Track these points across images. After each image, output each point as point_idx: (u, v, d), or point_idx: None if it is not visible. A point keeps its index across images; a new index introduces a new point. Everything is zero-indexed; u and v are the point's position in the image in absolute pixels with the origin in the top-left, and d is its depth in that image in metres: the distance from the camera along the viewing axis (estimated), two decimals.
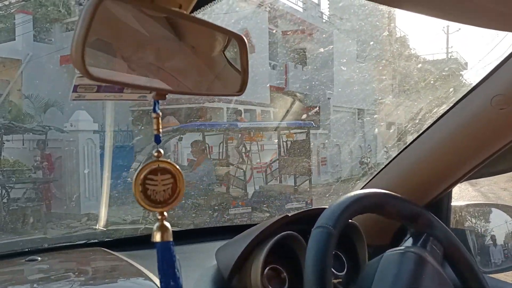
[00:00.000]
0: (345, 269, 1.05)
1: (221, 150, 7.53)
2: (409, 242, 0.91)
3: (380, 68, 13.56)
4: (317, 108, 12.50)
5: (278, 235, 0.97)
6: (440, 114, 1.06)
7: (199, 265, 1.07)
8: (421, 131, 1.11)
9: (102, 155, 7.50)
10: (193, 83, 0.59)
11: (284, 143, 8.05)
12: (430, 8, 0.56)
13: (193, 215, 6.11)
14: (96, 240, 1.34)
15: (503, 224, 1.25)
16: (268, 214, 6.65)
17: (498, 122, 0.96)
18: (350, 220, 0.93)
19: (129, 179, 5.86)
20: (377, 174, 1.24)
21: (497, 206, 1.32)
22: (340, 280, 1.03)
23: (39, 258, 1.12)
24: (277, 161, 8.11)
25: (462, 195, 6.66)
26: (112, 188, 4.98)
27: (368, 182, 1.24)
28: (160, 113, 0.56)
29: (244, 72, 0.60)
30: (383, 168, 1.22)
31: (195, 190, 6.47)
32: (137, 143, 8.60)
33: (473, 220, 1.27)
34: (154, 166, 0.56)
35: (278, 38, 14.00)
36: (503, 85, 0.93)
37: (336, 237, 0.80)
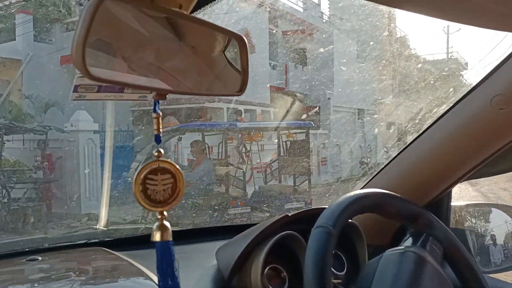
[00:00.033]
0: (345, 269, 1.05)
1: (221, 150, 7.53)
2: (408, 242, 0.92)
3: (380, 68, 13.55)
4: (317, 108, 12.50)
5: (278, 235, 0.98)
6: (440, 114, 1.06)
7: (199, 265, 1.07)
8: (421, 131, 1.11)
9: (102, 155, 7.49)
10: (193, 83, 0.59)
11: (284, 143, 8.04)
12: (430, 8, 0.56)
13: (193, 215, 6.11)
14: (96, 240, 1.34)
15: (503, 224, 1.25)
16: (268, 214, 6.65)
17: (498, 122, 0.96)
18: (350, 220, 0.93)
19: (129, 179, 5.86)
20: (377, 174, 1.24)
21: (497, 206, 1.32)
22: (340, 280, 1.03)
23: (40, 258, 1.12)
24: (277, 161, 8.11)
25: (462, 195, 6.66)
26: (112, 188, 4.98)
27: (368, 182, 1.25)
28: (161, 113, 0.56)
29: (244, 72, 0.60)
30: (383, 168, 1.22)
31: (195, 190, 6.48)
32: (137, 143, 8.59)
33: (473, 220, 1.27)
34: (154, 166, 0.56)
35: (278, 38, 13.99)
36: (503, 85, 0.93)
37: (336, 237, 0.80)
